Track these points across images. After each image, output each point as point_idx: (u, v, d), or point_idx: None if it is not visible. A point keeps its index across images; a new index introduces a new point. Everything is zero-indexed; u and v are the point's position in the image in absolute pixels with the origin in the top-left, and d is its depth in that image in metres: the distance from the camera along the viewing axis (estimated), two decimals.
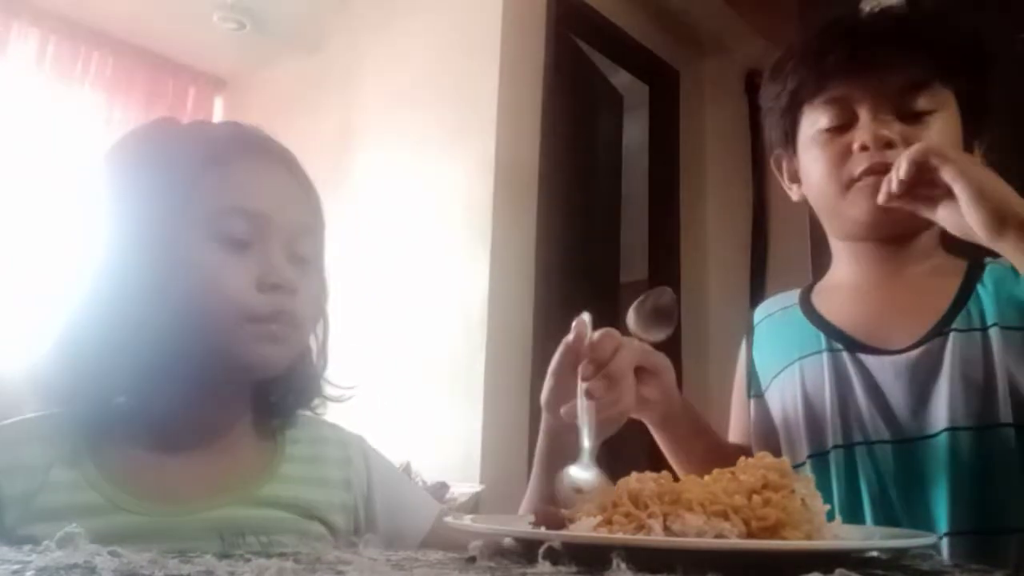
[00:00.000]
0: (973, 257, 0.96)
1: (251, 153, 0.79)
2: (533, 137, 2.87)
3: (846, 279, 1.02)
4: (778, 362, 1.01)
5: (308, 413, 0.88)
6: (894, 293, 0.96)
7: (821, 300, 1.03)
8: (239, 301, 0.73)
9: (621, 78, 3.65)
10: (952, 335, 0.89)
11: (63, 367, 0.76)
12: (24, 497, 0.71)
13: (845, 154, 0.92)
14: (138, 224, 0.75)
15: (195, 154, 0.77)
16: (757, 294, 3.37)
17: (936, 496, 0.85)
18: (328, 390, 0.88)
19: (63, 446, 0.74)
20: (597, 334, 0.83)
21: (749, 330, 1.11)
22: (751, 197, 3.56)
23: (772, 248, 3.51)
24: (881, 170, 0.87)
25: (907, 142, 0.88)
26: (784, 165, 1.05)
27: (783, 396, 0.99)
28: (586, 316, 0.85)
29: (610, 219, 3.49)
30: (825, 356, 0.96)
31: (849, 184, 0.92)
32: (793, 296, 1.08)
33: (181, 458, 0.77)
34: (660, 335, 0.87)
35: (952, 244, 0.97)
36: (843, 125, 0.93)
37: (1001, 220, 0.76)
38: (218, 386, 0.79)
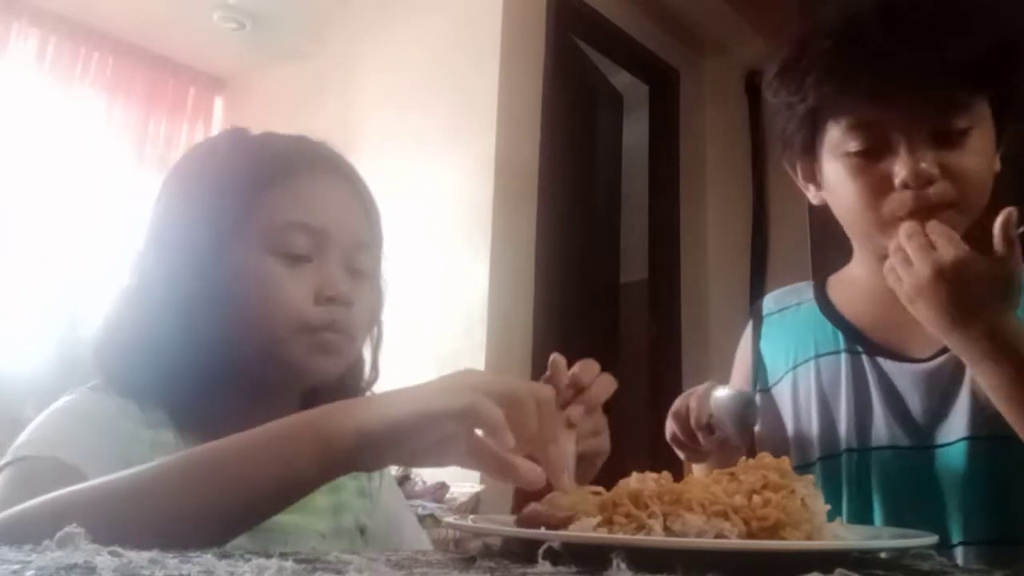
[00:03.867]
0: None
1: (314, 168, 0.80)
2: (533, 137, 2.87)
3: (865, 277, 0.98)
4: (792, 358, 0.99)
5: None
6: None
7: (838, 295, 1.00)
8: (296, 313, 0.74)
9: (621, 78, 3.65)
10: None
11: (122, 361, 0.76)
12: (151, 444, 0.72)
13: (883, 187, 0.86)
14: (201, 234, 0.76)
15: (260, 168, 0.78)
16: (757, 294, 3.37)
17: (950, 504, 0.84)
18: None
19: (156, 410, 0.75)
20: (578, 366, 0.76)
21: (756, 319, 1.08)
22: (751, 197, 3.56)
23: (772, 247, 3.51)
24: (925, 211, 0.84)
25: (948, 173, 0.84)
26: (799, 166, 0.99)
27: (796, 393, 0.97)
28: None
29: (610, 219, 3.49)
30: (843, 357, 0.94)
31: (891, 222, 0.86)
32: (807, 290, 1.05)
33: None
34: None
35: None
36: (872, 150, 0.87)
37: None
38: (270, 394, 0.79)
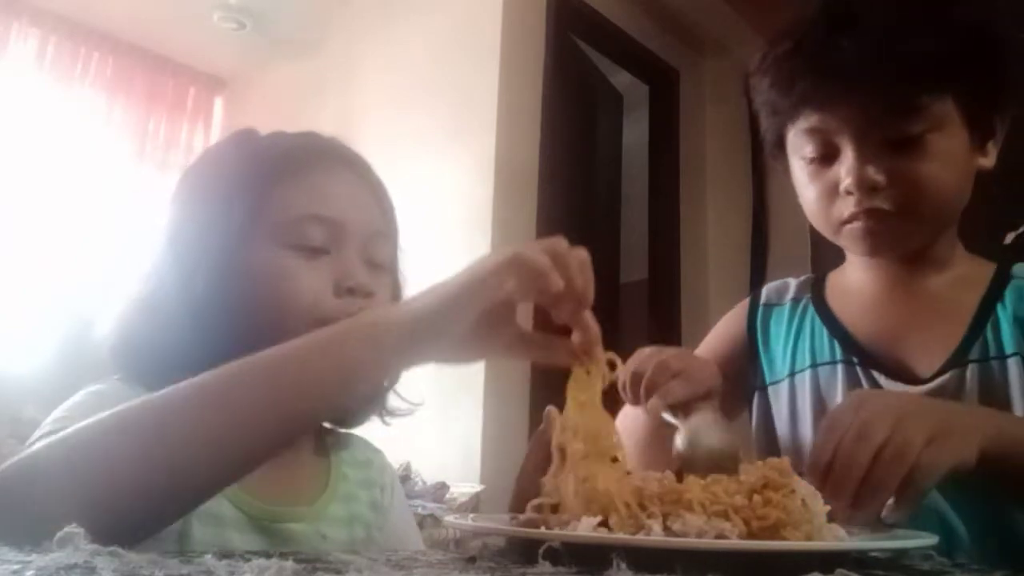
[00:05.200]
0: (1001, 261, 0.91)
1: (325, 162, 0.80)
2: (533, 137, 2.87)
3: (860, 285, 0.96)
4: (790, 361, 0.97)
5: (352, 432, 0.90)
6: (911, 307, 0.91)
7: (836, 299, 0.98)
8: (314, 305, 0.73)
9: (621, 78, 3.65)
10: (971, 367, 0.84)
11: (140, 364, 0.75)
12: None
13: (832, 193, 0.86)
14: (214, 234, 0.75)
15: (270, 165, 0.78)
16: None
17: (946, 527, 0.81)
18: (392, 403, 0.88)
19: None
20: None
21: (753, 307, 1.04)
22: (751, 197, 3.56)
23: (772, 248, 3.51)
24: (869, 218, 0.83)
25: (896, 181, 0.82)
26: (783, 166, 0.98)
27: (793, 401, 0.95)
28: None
29: (610, 219, 3.49)
30: (840, 368, 0.92)
31: (839, 226, 0.87)
32: (804, 288, 1.02)
33: None
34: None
35: (976, 246, 0.93)
36: (826, 155, 0.86)
37: None
38: None
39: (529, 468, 0.78)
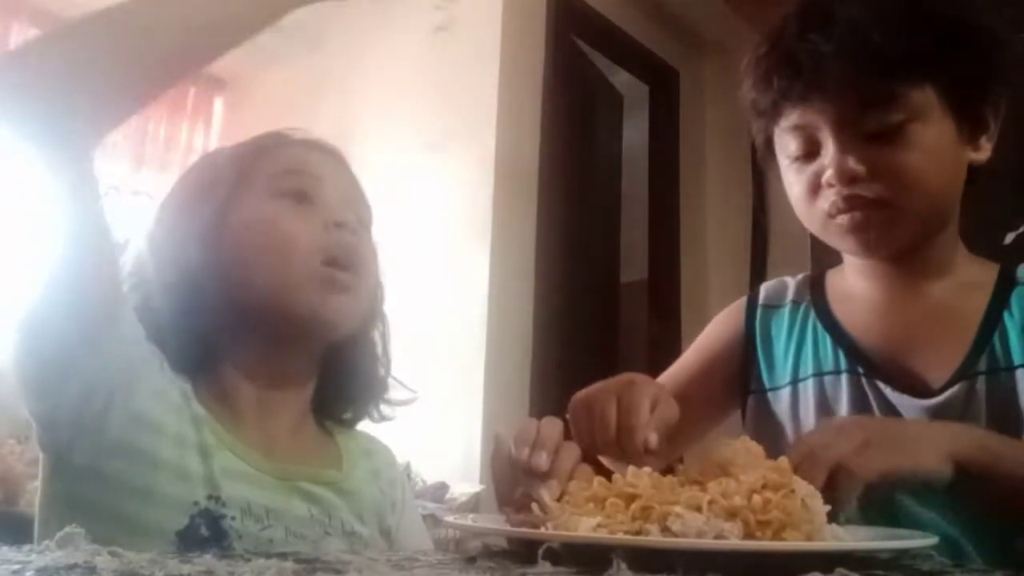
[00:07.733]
0: (1004, 263, 0.90)
1: (302, 143, 0.87)
2: (533, 137, 2.87)
3: (861, 289, 0.94)
4: (792, 368, 0.94)
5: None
6: (915, 315, 0.89)
7: (837, 305, 0.95)
8: (308, 241, 0.78)
9: (621, 78, 3.65)
10: (979, 379, 0.83)
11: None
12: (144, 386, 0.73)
13: (815, 187, 0.86)
14: (201, 207, 0.81)
15: (251, 147, 0.86)
16: None
17: (952, 541, 0.79)
18: (393, 392, 0.90)
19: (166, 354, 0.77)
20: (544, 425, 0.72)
21: (751, 308, 1.02)
22: (751, 197, 3.56)
23: (772, 248, 3.51)
24: (853, 207, 0.83)
25: (876, 171, 0.82)
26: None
27: (796, 410, 0.93)
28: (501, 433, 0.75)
29: (610, 219, 3.49)
30: (845, 378, 0.89)
31: (825, 220, 0.86)
32: (803, 288, 1.00)
33: (261, 399, 0.80)
34: None
35: (976, 246, 0.92)
36: (810, 152, 0.86)
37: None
38: (288, 341, 0.81)
39: (513, 503, 0.73)
